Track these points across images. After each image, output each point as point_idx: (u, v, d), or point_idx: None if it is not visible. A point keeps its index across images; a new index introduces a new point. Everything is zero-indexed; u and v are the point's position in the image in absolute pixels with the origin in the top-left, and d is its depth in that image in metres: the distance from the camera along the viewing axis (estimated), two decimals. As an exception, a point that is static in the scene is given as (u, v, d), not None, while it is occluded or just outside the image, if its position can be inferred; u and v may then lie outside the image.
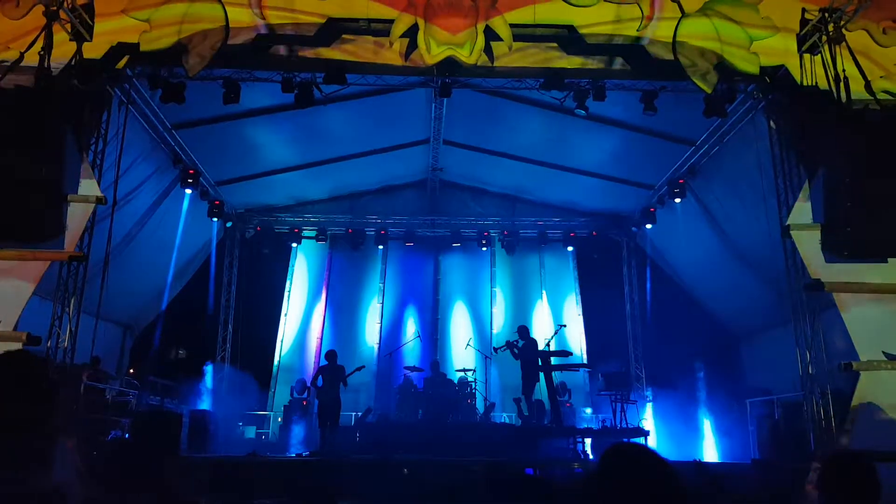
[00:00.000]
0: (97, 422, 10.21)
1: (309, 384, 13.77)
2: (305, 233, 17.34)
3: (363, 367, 12.86)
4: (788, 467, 8.00)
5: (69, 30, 8.09)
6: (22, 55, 7.74)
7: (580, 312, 17.49)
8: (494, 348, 14.00)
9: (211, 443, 13.20)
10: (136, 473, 2.33)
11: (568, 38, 9.05)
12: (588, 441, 11.96)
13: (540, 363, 12.36)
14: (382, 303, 17.38)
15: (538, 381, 12.23)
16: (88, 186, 8.18)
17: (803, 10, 8.33)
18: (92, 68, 8.46)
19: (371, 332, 17.10)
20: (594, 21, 8.98)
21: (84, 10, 8.21)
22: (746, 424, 12.15)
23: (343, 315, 17.24)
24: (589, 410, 15.30)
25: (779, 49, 8.79)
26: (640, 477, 2.00)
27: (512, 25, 9.02)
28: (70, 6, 7.95)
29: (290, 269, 17.67)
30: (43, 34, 7.63)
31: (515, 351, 12.49)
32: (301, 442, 13.46)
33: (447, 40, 8.96)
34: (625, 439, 11.58)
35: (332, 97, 10.63)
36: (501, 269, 17.81)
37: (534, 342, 12.67)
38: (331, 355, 12.01)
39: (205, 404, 14.48)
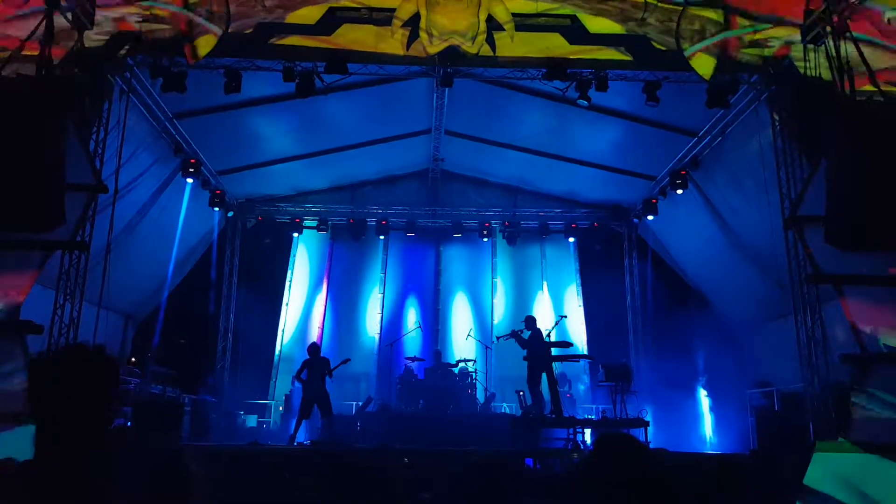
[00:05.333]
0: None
1: (293, 377, 13.83)
2: (307, 223, 17.30)
3: (348, 360, 12.88)
4: (788, 459, 8.02)
5: (70, 18, 8.07)
6: (23, 43, 7.73)
7: (581, 303, 17.46)
8: (497, 337, 13.92)
9: (212, 431, 13.26)
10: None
11: (570, 27, 9.03)
12: (588, 431, 11.98)
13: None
14: (383, 293, 17.38)
15: (543, 372, 12.19)
16: (89, 175, 8.18)
17: (807, 1, 8.29)
18: (93, 57, 8.44)
19: (372, 322, 17.12)
20: (597, 10, 8.96)
21: (85, -2, 8.18)
22: (746, 415, 12.16)
23: (344, 305, 17.25)
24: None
25: (782, 40, 8.76)
26: (622, 463, 2.10)
27: (514, 15, 9.01)
28: (71, -6, 7.92)
29: (291, 259, 17.64)
30: (44, 22, 7.62)
31: (524, 339, 12.38)
32: (302, 431, 13.50)
33: (449, 29, 8.95)
34: (624, 430, 11.61)
35: (333, 87, 10.58)
36: (502, 259, 17.79)
37: (539, 332, 12.59)
38: (313, 349, 12.22)
39: (206, 393, 14.53)
